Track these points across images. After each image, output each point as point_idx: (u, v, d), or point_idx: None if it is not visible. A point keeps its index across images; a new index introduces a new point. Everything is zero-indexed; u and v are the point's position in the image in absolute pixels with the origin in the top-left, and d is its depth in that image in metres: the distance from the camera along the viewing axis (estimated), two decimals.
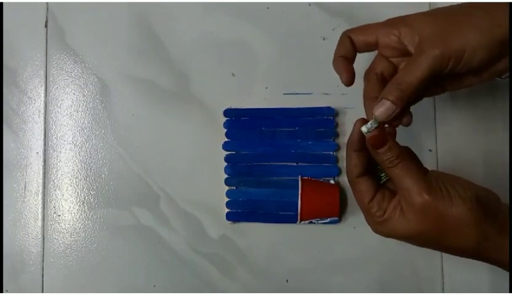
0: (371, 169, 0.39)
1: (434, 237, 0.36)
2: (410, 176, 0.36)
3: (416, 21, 0.37)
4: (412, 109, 0.50)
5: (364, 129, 0.36)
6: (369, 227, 0.50)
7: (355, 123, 0.37)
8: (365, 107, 0.40)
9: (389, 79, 0.38)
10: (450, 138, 0.50)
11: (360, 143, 0.37)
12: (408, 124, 0.40)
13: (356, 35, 0.39)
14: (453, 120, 0.51)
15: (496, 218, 0.35)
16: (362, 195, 0.38)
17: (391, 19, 0.39)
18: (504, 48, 0.36)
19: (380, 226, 0.38)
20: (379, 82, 0.39)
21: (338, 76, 0.39)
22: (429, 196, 0.35)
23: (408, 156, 0.37)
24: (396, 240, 0.50)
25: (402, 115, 0.39)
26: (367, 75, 0.40)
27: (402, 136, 0.50)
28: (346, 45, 0.39)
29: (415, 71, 0.36)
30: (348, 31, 0.40)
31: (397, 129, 0.52)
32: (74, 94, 0.53)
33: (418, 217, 0.36)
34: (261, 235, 0.50)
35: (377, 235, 0.50)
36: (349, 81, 0.39)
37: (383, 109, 0.36)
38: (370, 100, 0.39)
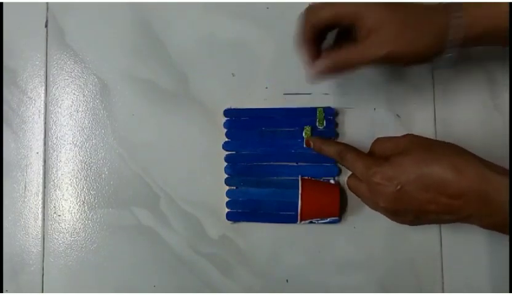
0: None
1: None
2: (361, 156, 0.42)
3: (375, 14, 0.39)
4: (412, 107, 0.51)
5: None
6: (369, 227, 0.50)
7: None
8: (301, 47, 0.43)
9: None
10: (450, 136, 0.50)
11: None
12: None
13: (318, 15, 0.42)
14: (452, 118, 0.50)
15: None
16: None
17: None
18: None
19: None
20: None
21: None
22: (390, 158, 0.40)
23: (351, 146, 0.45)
24: (396, 240, 0.50)
25: None
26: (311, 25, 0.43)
27: (402, 133, 0.51)
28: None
29: (358, 58, 0.40)
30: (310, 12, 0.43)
31: (396, 129, 0.52)
32: (74, 94, 0.53)
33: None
34: (261, 235, 0.50)
35: (377, 235, 0.51)
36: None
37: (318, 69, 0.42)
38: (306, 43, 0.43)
